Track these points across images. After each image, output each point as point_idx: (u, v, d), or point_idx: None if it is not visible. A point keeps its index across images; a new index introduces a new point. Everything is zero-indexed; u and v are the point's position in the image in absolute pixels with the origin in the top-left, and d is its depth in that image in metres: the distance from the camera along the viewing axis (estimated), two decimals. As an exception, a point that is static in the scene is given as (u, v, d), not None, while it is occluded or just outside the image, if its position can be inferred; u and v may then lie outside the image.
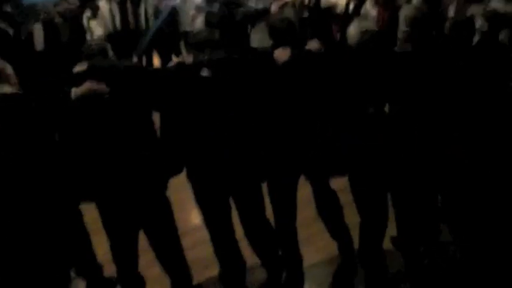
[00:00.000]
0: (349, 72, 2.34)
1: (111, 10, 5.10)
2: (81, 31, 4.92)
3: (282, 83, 2.39)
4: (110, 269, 2.58)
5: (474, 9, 2.71)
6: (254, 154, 2.41)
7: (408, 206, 2.50)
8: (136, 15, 5.18)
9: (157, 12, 5.33)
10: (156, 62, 5.69)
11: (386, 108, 2.26)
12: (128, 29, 5.14)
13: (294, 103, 2.41)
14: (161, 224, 2.39)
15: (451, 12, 3.61)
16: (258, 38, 4.26)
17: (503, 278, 2.46)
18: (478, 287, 2.51)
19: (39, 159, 2.21)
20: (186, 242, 2.52)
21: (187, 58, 2.36)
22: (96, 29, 5.02)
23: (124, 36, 5.05)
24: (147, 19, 5.21)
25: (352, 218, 2.58)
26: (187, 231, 2.81)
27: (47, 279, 2.33)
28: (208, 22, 4.38)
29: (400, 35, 2.49)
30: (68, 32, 4.73)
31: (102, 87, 2.20)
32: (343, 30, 3.36)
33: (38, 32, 4.61)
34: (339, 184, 2.62)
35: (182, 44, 5.62)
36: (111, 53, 2.40)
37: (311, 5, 4.33)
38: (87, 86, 2.20)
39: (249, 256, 2.60)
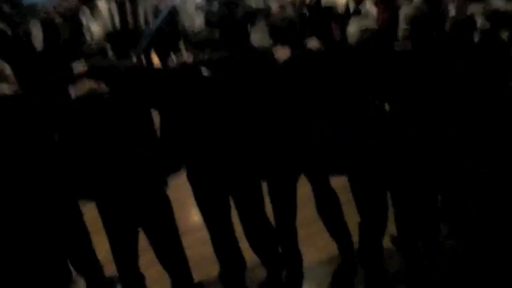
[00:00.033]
0: (349, 71, 2.34)
1: (110, 9, 5.09)
2: (80, 31, 4.91)
3: (281, 82, 2.39)
4: (110, 269, 2.57)
5: (474, 8, 2.71)
6: (254, 153, 2.41)
7: (408, 205, 2.50)
8: (135, 14, 5.17)
9: (156, 11, 5.32)
10: (156, 61, 5.69)
11: (387, 107, 2.25)
12: (127, 28, 5.13)
13: (294, 102, 2.41)
14: (161, 223, 2.39)
15: (452, 11, 3.61)
16: (258, 37, 4.25)
17: (503, 277, 2.46)
18: (477, 286, 2.51)
19: (39, 159, 2.21)
20: (186, 241, 2.52)
21: (187, 57, 2.36)
22: (95, 29, 5.01)
23: (123, 36, 5.04)
24: (146, 18, 5.20)
25: (351, 217, 2.58)
26: (188, 230, 2.81)
27: (47, 279, 2.33)
28: (208, 21, 4.37)
29: (400, 33, 2.48)
30: (67, 31, 4.72)
31: (101, 86, 2.20)
32: (343, 29, 3.36)
33: (37, 31, 4.60)
34: (339, 183, 2.62)
35: (181, 44, 5.62)
36: (110, 53, 2.40)
37: (311, 4, 4.33)
38: (86, 85, 2.19)
39: (249, 255, 2.60)
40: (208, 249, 2.59)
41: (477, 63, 2.46)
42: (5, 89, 2.22)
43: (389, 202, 2.47)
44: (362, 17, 3.81)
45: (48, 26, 4.62)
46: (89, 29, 4.97)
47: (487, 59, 2.49)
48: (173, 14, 5.42)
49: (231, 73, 2.34)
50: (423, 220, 2.62)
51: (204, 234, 2.57)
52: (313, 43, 2.49)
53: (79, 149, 2.24)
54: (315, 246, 2.84)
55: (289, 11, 4.13)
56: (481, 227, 2.60)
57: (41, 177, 2.21)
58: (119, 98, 2.23)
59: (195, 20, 5.14)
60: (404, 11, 2.51)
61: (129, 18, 5.12)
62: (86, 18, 5.03)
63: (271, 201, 2.58)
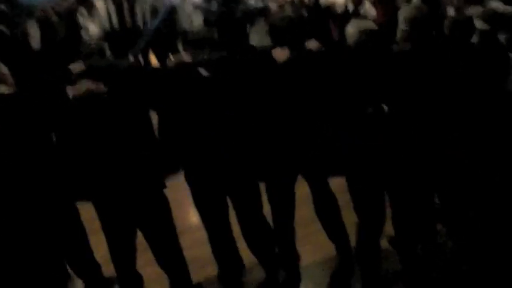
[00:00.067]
0: (348, 72, 2.34)
1: (107, 8, 5.07)
2: (77, 30, 4.89)
3: (280, 83, 2.39)
4: (108, 269, 2.57)
5: (473, 10, 2.71)
6: (252, 153, 2.41)
7: (405, 205, 2.50)
8: (133, 13, 5.15)
9: (154, 10, 5.31)
10: (154, 61, 5.67)
11: (385, 108, 2.25)
12: (125, 27, 5.11)
13: (292, 102, 2.40)
14: (160, 223, 2.38)
15: (451, 12, 3.62)
16: (257, 36, 4.25)
17: (500, 278, 2.47)
18: (475, 287, 2.51)
19: (37, 159, 2.20)
20: (184, 241, 2.51)
21: (186, 57, 2.35)
22: (93, 28, 5.00)
23: (121, 35, 5.02)
24: (144, 18, 5.18)
25: (349, 217, 2.58)
26: (186, 230, 2.80)
27: (45, 279, 2.32)
28: (206, 21, 4.37)
29: (399, 35, 2.48)
30: (64, 30, 4.71)
31: (99, 86, 2.19)
32: (342, 30, 3.36)
33: (34, 30, 4.59)
34: (337, 184, 2.62)
35: (180, 43, 5.60)
36: (108, 52, 2.39)
37: (310, 4, 4.33)
38: (84, 85, 2.19)
39: (247, 255, 2.60)
40: (206, 250, 2.59)
41: (476, 64, 2.46)
42: (2, 88, 2.20)
43: (387, 203, 2.48)
44: (361, 17, 3.82)
45: (45, 25, 4.60)
46: (86, 28, 4.96)
47: (486, 60, 2.49)
48: (171, 13, 5.40)
49: (230, 73, 2.34)
50: (420, 221, 2.62)
51: (202, 235, 2.57)
52: (312, 43, 2.49)
53: (76, 149, 2.23)
54: (313, 246, 2.84)
55: (288, 11, 4.13)
56: (479, 228, 2.60)
57: (38, 178, 2.20)
58: (116, 98, 2.23)
59: (193, 20, 5.12)
60: (404, 12, 2.51)
61: (127, 17, 5.10)
62: (83, 17, 5.02)
63: (269, 201, 2.58)
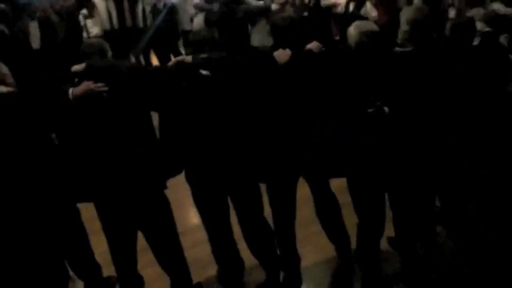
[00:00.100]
0: (349, 72, 2.34)
1: (107, 8, 5.07)
2: (77, 30, 4.89)
3: (281, 83, 2.39)
4: (108, 269, 2.57)
5: (474, 11, 2.72)
6: (253, 154, 2.40)
7: (406, 206, 2.50)
8: (133, 13, 5.15)
9: (154, 10, 5.30)
10: (155, 61, 5.67)
11: (386, 109, 2.25)
12: (125, 27, 5.11)
13: (293, 103, 2.40)
14: (160, 223, 2.38)
15: (452, 14, 3.62)
16: (259, 36, 4.25)
17: (500, 279, 2.47)
18: (475, 287, 2.52)
19: (37, 159, 2.20)
20: (185, 241, 2.51)
21: (187, 57, 2.35)
22: (93, 27, 4.99)
23: (121, 35, 5.02)
24: (144, 17, 5.18)
25: (349, 218, 2.58)
26: (187, 231, 2.81)
27: (45, 280, 2.32)
28: (207, 21, 4.36)
29: (400, 36, 2.48)
30: (64, 30, 4.70)
31: (100, 86, 2.19)
32: (343, 30, 3.36)
33: (34, 30, 4.58)
34: (337, 184, 2.61)
35: (181, 43, 5.60)
36: (109, 52, 2.39)
37: (311, 4, 4.33)
38: (85, 85, 2.18)
39: (247, 256, 2.60)
40: (206, 250, 2.59)
41: (477, 66, 2.46)
42: (3, 88, 2.20)
43: (387, 203, 2.48)
44: (362, 18, 3.81)
45: (45, 24, 4.60)
46: (86, 27, 4.95)
47: (487, 62, 2.49)
48: (172, 13, 5.40)
49: (231, 73, 2.33)
50: (420, 222, 2.62)
51: (203, 235, 2.57)
52: (313, 44, 2.49)
53: (77, 150, 2.23)
54: (313, 246, 2.84)
55: (290, 11, 4.13)
56: (479, 229, 2.61)
57: (38, 178, 2.20)
58: (118, 98, 2.22)
59: (194, 20, 5.12)
60: (405, 14, 2.51)
61: (128, 17, 5.10)
62: (83, 17, 5.01)
63: (270, 202, 2.57)
